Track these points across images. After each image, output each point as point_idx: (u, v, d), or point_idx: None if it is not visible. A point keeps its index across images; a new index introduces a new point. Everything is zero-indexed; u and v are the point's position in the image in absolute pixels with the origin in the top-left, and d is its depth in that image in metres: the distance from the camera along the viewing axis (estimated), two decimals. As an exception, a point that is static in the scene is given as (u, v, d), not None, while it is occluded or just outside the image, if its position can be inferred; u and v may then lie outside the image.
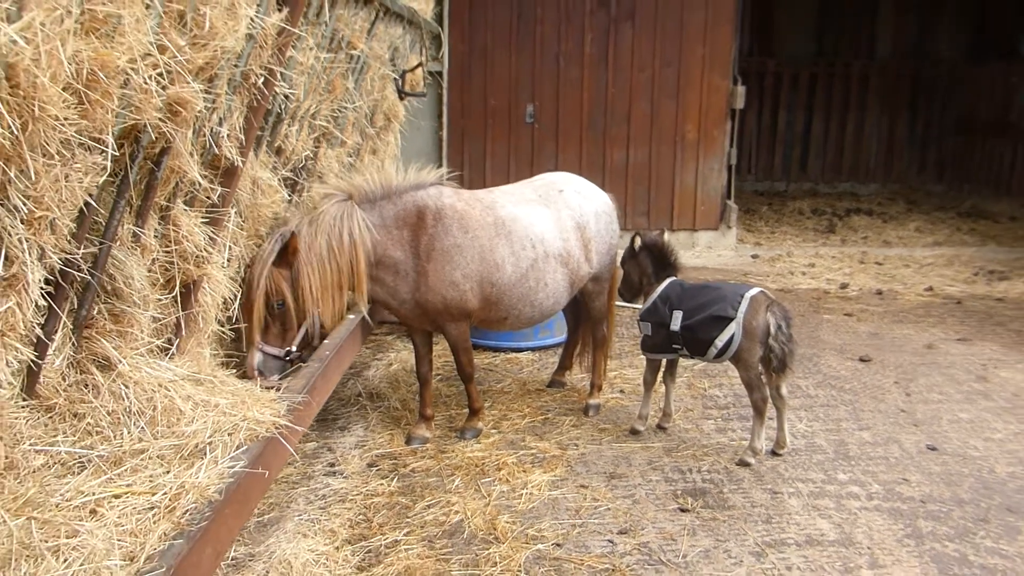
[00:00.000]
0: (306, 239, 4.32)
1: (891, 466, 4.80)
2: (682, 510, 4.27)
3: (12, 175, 1.91)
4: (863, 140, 16.18)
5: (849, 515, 4.22)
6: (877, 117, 16.08)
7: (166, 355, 3.26)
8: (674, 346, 4.94)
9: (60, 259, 2.34)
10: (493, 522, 4.11)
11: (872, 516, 4.21)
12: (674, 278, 5.10)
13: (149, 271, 3.00)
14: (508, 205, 5.03)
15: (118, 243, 2.73)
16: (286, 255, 4.22)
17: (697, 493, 4.45)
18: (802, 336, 7.09)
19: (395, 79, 6.08)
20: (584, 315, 5.76)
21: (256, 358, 4.23)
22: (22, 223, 2.05)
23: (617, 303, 5.83)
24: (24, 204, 2.00)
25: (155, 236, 3.01)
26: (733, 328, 4.65)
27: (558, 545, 3.93)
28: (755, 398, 4.78)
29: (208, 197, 3.30)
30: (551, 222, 5.10)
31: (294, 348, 4.39)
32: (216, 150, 3.16)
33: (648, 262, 5.15)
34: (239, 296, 3.99)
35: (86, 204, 2.32)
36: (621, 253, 5.39)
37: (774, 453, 4.91)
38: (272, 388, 3.62)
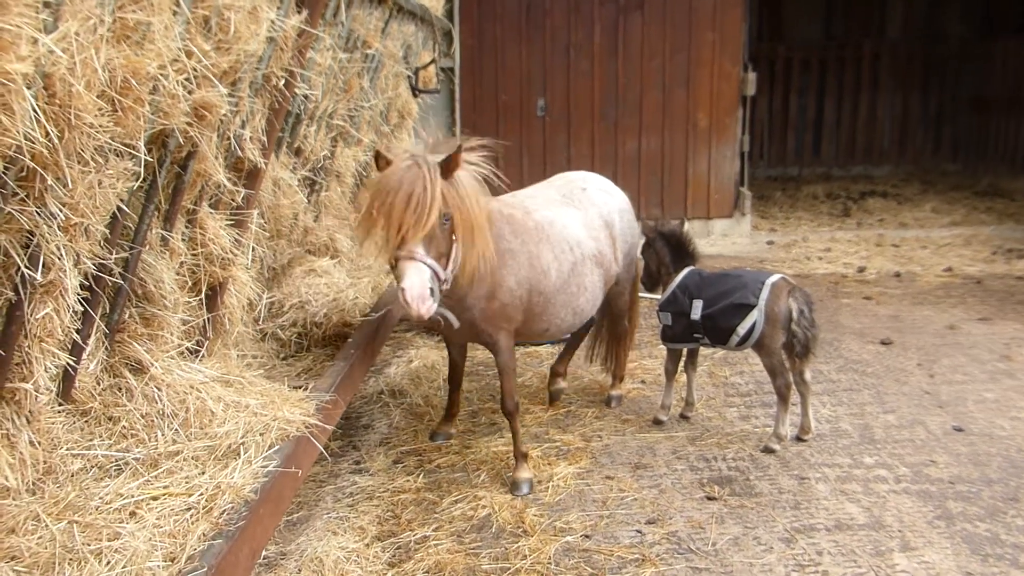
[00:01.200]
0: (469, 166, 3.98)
1: (918, 448, 4.78)
2: (709, 498, 4.27)
3: (50, 182, 1.93)
4: (876, 122, 16.04)
5: (878, 499, 4.21)
6: (890, 98, 15.93)
7: (195, 357, 3.29)
8: (695, 335, 4.93)
9: (94, 264, 2.38)
10: (521, 515, 4.12)
11: (901, 499, 4.21)
12: (692, 267, 5.09)
13: (177, 274, 3.04)
14: (541, 208, 4.75)
15: (147, 247, 2.76)
16: (442, 169, 3.79)
17: (723, 481, 4.46)
18: (821, 321, 7.02)
19: (409, 77, 6.10)
20: (605, 311, 5.66)
21: (424, 272, 3.64)
22: (59, 230, 2.08)
23: (641, 294, 5.79)
24: (60, 211, 2.03)
25: (182, 239, 3.04)
26: (755, 315, 4.64)
27: (587, 536, 3.94)
28: (778, 384, 4.78)
29: (232, 199, 3.33)
30: (581, 222, 4.87)
31: (450, 275, 3.86)
32: (239, 152, 3.19)
33: (666, 252, 5.14)
34: (374, 203, 3.66)
35: (118, 209, 2.35)
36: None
37: (799, 439, 4.91)
38: (300, 388, 3.65)
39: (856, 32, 15.83)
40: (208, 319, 3.33)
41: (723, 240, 10.98)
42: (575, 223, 4.85)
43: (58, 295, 2.19)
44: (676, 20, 10.57)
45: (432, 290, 3.65)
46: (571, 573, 3.64)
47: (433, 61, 6.62)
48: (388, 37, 5.21)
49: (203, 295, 3.29)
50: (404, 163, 3.73)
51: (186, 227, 3.07)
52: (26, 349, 2.28)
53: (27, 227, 2.05)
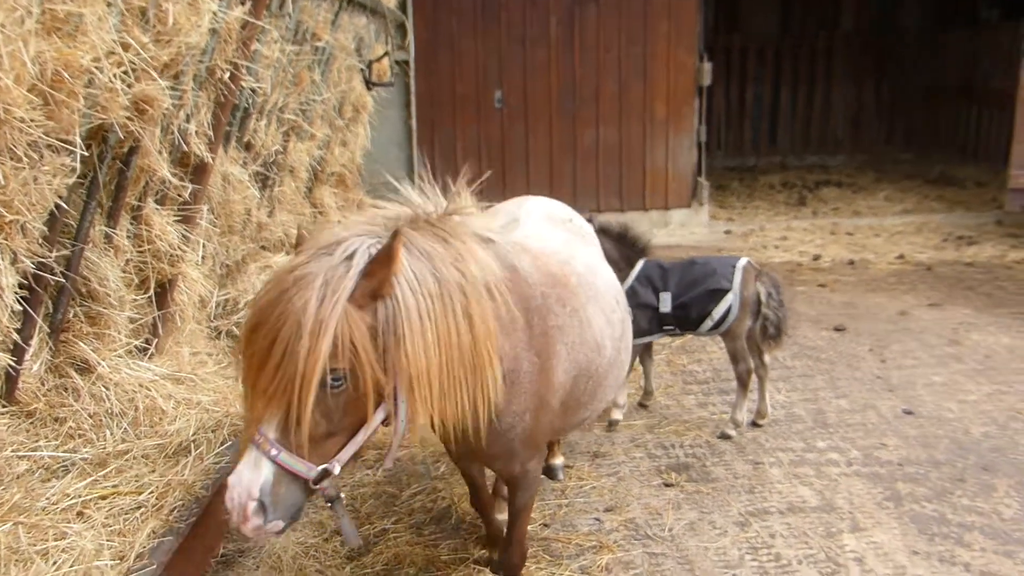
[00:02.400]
0: (422, 267, 2.34)
1: (869, 432, 4.88)
2: (666, 485, 4.32)
3: (-20, 180, 1.90)
4: (831, 112, 16.31)
5: (830, 481, 4.29)
6: (844, 89, 16.20)
7: (145, 355, 3.25)
8: (664, 327, 4.90)
9: (33, 263, 2.33)
10: (480, 506, 4.13)
11: (852, 481, 4.29)
12: (648, 260, 5.05)
13: (123, 272, 3.00)
14: (574, 252, 3.28)
15: (91, 245, 2.72)
16: (370, 282, 2.22)
17: (680, 468, 4.51)
18: (778, 308, 7.17)
19: (362, 70, 6.05)
20: None
21: (262, 472, 2.14)
22: (-7, 228, 2.04)
23: None
24: (-7, 209, 1.99)
25: (128, 236, 2.99)
26: (730, 299, 4.66)
27: (545, 525, 3.97)
28: (740, 369, 4.82)
29: (179, 195, 3.28)
30: (602, 261, 3.69)
31: (336, 467, 2.28)
32: (185, 147, 3.14)
33: (612, 249, 5.01)
34: (245, 345, 2.20)
35: (56, 206, 2.30)
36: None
37: (755, 424, 4.98)
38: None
39: (811, 24, 16.04)
40: (158, 316, 3.29)
41: (681, 230, 11.08)
42: (603, 264, 3.60)
43: (-5, 294, 2.15)
44: (631, 11, 10.62)
45: (264, 505, 2.13)
46: (530, 562, 3.66)
47: (386, 54, 6.58)
48: (339, 29, 5.16)
49: (152, 293, 3.24)
50: (301, 269, 2.19)
51: (131, 224, 3.03)
52: (-37, 350, 2.24)
53: (-41, 225, 2.00)
